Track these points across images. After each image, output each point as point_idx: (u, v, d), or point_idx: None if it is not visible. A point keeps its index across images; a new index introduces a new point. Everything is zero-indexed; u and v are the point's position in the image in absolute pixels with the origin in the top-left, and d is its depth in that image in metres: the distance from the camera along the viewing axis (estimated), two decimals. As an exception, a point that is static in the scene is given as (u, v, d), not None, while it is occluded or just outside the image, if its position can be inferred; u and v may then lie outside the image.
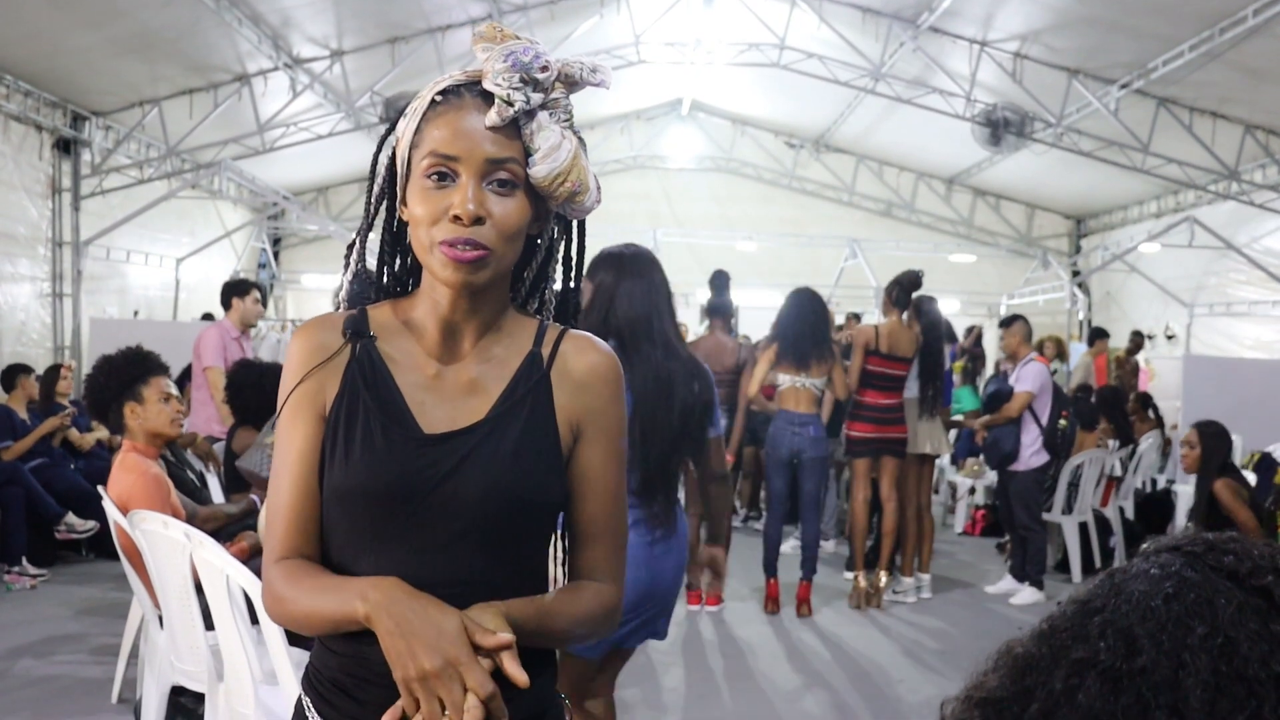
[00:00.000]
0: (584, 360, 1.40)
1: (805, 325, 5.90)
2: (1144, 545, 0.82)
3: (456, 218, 1.26)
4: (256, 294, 6.66)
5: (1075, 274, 14.18)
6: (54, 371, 7.37)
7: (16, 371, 7.12)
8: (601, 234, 14.96)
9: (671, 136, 16.43)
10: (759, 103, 14.92)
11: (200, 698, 3.28)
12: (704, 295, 6.55)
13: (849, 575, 6.58)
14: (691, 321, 11.96)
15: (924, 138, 13.52)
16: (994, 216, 16.10)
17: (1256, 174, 10.84)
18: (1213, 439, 5.28)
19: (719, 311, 6.28)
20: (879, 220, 16.13)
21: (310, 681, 1.36)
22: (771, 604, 6.02)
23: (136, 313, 11.20)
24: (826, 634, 5.69)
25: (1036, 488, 6.63)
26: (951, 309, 11.89)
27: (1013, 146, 11.21)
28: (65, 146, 9.97)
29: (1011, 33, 10.07)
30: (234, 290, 6.64)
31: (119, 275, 11.17)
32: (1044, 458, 6.54)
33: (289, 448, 1.35)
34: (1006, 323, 6.80)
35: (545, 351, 1.39)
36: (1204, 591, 0.72)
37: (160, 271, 11.86)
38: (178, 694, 3.45)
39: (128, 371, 3.81)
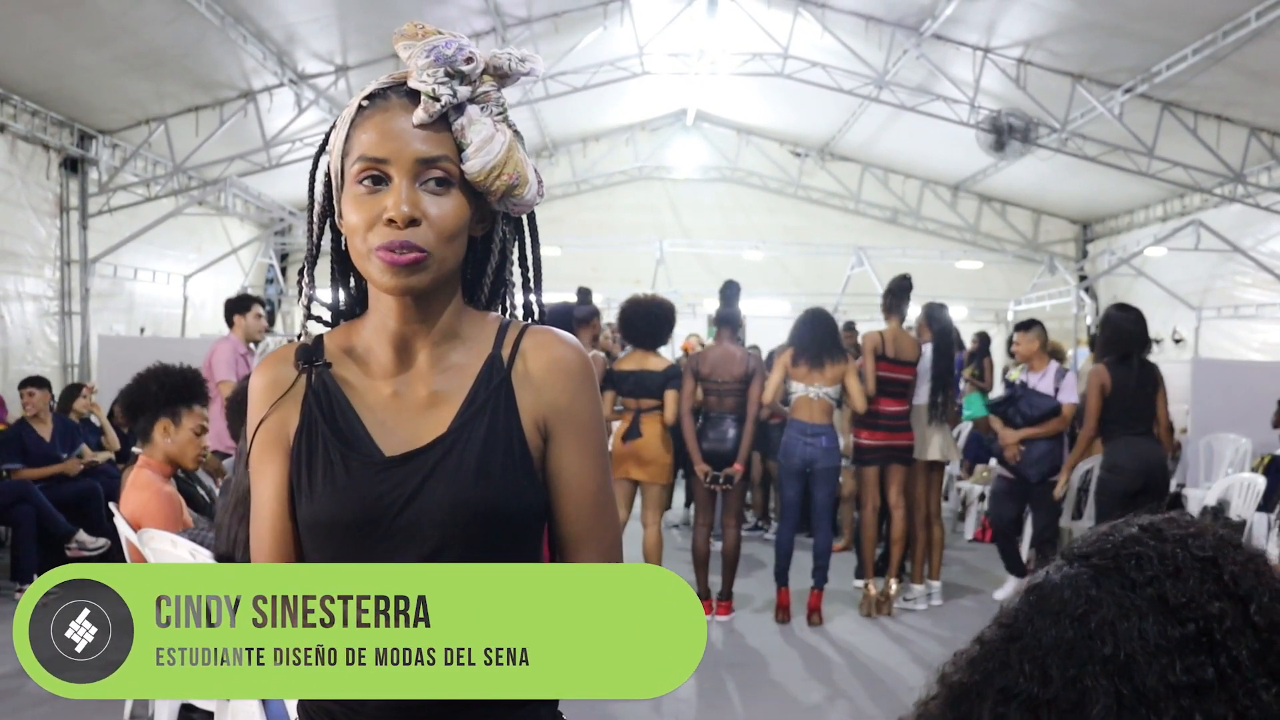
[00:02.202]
0: (544, 355, 1.33)
1: (818, 332, 6.08)
2: (1062, 550, 0.85)
3: (391, 220, 1.22)
4: (259, 309, 6.75)
5: (1082, 279, 14.14)
6: (74, 390, 7.42)
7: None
8: (609, 245, 14.86)
9: (676, 147, 16.44)
10: (763, 112, 14.93)
11: (210, 716, 3.29)
12: (712, 305, 6.57)
13: (859, 583, 6.57)
14: (701, 332, 11.97)
15: (929, 145, 13.51)
16: (1000, 222, 16.07)
17: (1262, 176, 10.81)
18: (1108, 326, 5.41)
19: (727, 321, 6.30)
20: (885, 228, 16.11)
21: (305, 708, 1.36)
22: (782, 613, 6.01)
23: (144, 330, 11.23)
24: (838, 642, 5.68)
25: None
26: (959, 315, 11.85)
27: (1018, 152, 11.19)
28: (72, 165, 10.01)
29: (1014, 39, 10.06)
30: (235, 307, 6.75)
31: (126, 293, 11.19)
32: None
33: (262, 489, 1.34)
34: (1024, 326, 6.55)
35: (505, 352, 1.33)
36: (1107, 612, 0.74)
37: (168, 288, 11.88)
38: (188, 711, 3.47)
39: (176, 390, 3.86)
